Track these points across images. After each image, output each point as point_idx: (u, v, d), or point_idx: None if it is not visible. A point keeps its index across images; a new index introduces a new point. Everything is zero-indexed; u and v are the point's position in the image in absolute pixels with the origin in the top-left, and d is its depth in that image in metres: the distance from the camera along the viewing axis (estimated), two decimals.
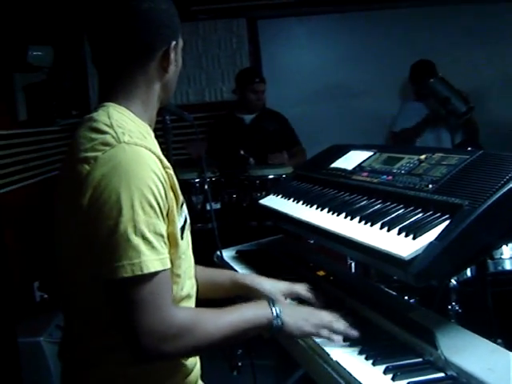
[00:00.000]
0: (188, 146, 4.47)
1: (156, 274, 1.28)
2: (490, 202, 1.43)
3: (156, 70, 1.49)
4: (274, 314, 1.49)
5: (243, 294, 1.81)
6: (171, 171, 1.42)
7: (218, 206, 3.95)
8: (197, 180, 3.85)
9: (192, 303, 1.57)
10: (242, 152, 4.23)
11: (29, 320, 3.53)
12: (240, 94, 4.62)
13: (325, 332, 1.53)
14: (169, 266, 1.33)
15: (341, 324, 1.56)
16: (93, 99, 5.28)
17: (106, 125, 1.37)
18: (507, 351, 1.37)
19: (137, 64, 1.47)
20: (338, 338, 1.52)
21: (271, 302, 1.52)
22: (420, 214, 1.61)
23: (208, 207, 3.73)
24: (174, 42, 1.50)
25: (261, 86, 4.56)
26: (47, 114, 4.58)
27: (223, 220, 3.78)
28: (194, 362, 1.56)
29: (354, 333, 1.55)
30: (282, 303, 1.66)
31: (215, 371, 1.68)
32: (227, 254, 2.44)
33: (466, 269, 2.01)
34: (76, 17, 4.91)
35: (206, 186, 3.72)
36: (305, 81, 5.37)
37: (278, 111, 4.76)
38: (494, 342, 1.52)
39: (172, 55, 1.50)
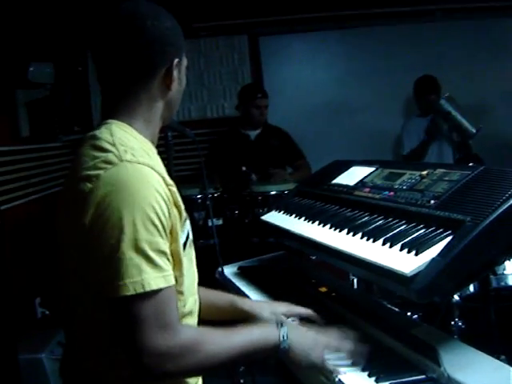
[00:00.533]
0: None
1: (159, 291, 1.27)
2: (492, 217, 1.43)
3: (159, 88, 1.49)
4: (281, 337, 1.47)
5: (242, 319, 1.77)
6: (174, 188, 1.41)
7: (220, 221, 3.95)
8: (199, 196, 3.85)
9: (194, 320, 1.56)
10: (243, 168, 4.23)
11: (30, 336, 3.51)
12: (243, 110, 4.63)
13: (330, 366, 1.50)
14: (173, 282, 1.32)
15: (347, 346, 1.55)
16: (95, 115, 5.29)
17: (109, 143, 1.37)
18: (510, 368, 1.37)
19: (139, 81, 1.47)
20: (343, 371, 1.49)
21: (279, 324, 1.50)
22: (422, 230, 1.61)
23: (210, 223, 3.73)
24: (176, 60, 1.49)
25: (263, 102, 4.57)
26: (49, 130, 4.59)
27: (225, 236, 3.77)
28: (196, 380, 1.54)
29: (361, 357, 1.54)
30: (291, 326, 1.63)
31: None
32: (229, 270, 2.43)
33: (468, 285, 2.00)
34: (78, 34, 4.94)
35: (208, 202, 3.71)
36: (306, 97, 5.38)
37: (279, 127, 4.77)
38: (497, 358, 1.51)
39: (175, 73, 1.49)
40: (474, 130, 3.98)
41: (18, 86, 4.17)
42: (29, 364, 3.24)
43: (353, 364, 1.51)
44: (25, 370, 3.15)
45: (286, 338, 1.47)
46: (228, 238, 3.79)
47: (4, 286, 3.01)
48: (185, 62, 1.56)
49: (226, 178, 4.31)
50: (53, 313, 4.22)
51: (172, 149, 2.55)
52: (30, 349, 3.33)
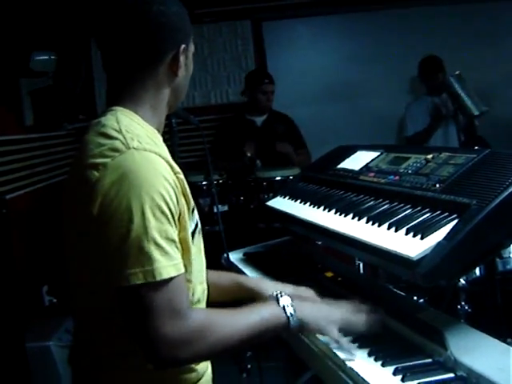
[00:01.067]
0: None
1: (170, 280, 1.27)
2: (497, 200, 1.42)
3: (165, 74, 1.47)
4: (288, 312, 1.47)
5: (248, 298, 1.77)
6: (182, 176, 1.41)
7: (226, 208, 3.96)
8: (204, 183, 3.86)
9: (202, 307, 1.56)
10: (248, 154, 4.23)
11: (38, 324, 3.54)
12: (249, 96, 4.63)
13: (344, 343, 1.50)
14: (183, 270, 1.32)
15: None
16: (99, 103, 5.29)
17: (115, 130, 1.36)
18: None
19: (145, 67, 1.46)
20: (349, 346, 1.50)
21: (280, 294, 1.50)
22: (427, 214, 1.60)
23: (215, 209, 3.73)
24: (183, 46, 1.47)
25: (270, 87, 4.57)
26: (54, 118, 4.60)
27: (231, 222, 3.78)
28: (206, 366, 1.54)
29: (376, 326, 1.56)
30: (299, 301, 1.63)
31: (224, 374, 1.67)
32: (235, 256, 2.43)
33: (474, 268, 1.99)
34: (81, 22, 4.93)
35: (213, 189, 3.72)
36: (310, 82, 5.37)
37: (285, 113, 4.77)
38: (504, 341, 1.51)
39: (182, 59, 1.48)
40: (477, 112, 3.96)
41: (21, 75, 4.16)
42: (37, 352, 3.27)
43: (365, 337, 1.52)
44: (33, 358, 3.18)
45: (293, 314, 1.46)
46: (233, 224, 3.79)
47: (11, 275, 3.03)
48: (192, 48, 1.55)
49: (231, 163, 4.31)
50: (60, 301, 4.24)
51: (176, 136, 2.54)
52: (37, 337, 3.36)
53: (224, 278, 1.87)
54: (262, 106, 4.61)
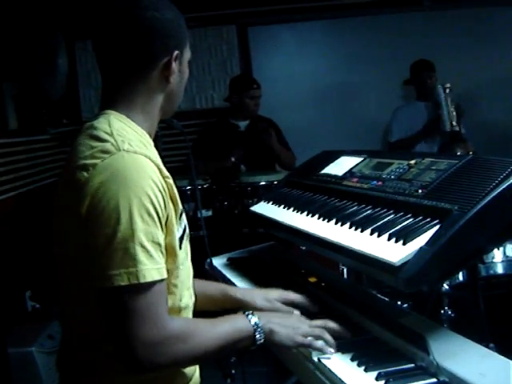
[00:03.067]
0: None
1: (153, 283, 1.27)
2: (479, 206, 1.43)
3: (158, 80, 1.47)
4: (254, 326, 1.47)
5: (235, 308, 1.78)
6: (171, 180, 1.41)
7: (210, 213, 3.95)
8: (188, 187, 3.85)
9: (189, 314, 1.56)
10: (233, 159, 4.23)
11: (20, 330, 3.51)
12: (236, 100, 4.62)
13: (318, 343, 1.51)
14: (165, 276, 1.32)
15: (333, 326, 1.56)
16: (84, 108, 5.27)
17: (107, 133, 1.37)
18: (499, 356, 1.38)
19: (138, 72, 1.46)
20: (331, 350, 1.50)
21: (248, 313, 1.51)
22: (410, 220, 1.61)
23: (199, 214, 3.73)
24: (176, 52, 1.47)
25: (258, 92, 4.58)
26: (38, 122, 4.57)
27: (215, 227, 3.77)
28: (193, 370, 1.55)
29: (347, 334, 1.56)
30: (266, 313, 1.64)
31: (209, 379, 1.67)
32: (218, 262, 2.43)
33: (456, 274, 2.01)
34: (68, 25, 4.92)
35: (197, 193, 3.71)
36: (295, 87, 5.39)
37: (269, 117, 4.77)
38: (486, 346, 1.52)
39: (174, 65, 1.47)
40: (447, 129, 4.02)
41: (4, 79, 4.14)
42: (19, 357, 3.25)
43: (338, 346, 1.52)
44: (15, 364, 3.16)
45: (259, 326, 1.47)
46: (218, 229, 3.79)
47: None
48: (187, 54, 1.54)
49: (213, 164, 4.32)
50: (43, 306, 4.21)
51: (160, 140, 2.54)
52: (20, 342, 3.34)
53: (212, 287, 1.87)
54: (249, 110, 4.61)
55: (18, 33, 4.15)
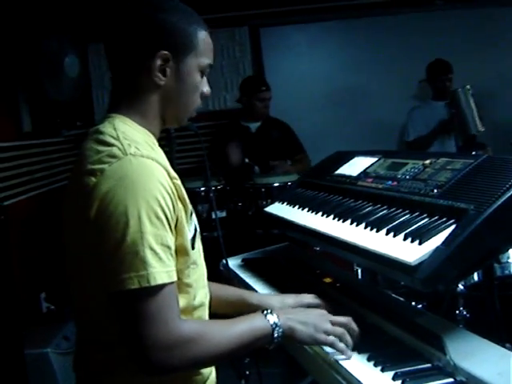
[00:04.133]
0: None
1: (163, 286, 1.28)
2: (495, 205, 1.43)
3: (149, 81, 1.46)
4: (272, 323, 1.47)
5: (250, 313, 1.78)
6: (178, 181, 1.41)
7: (224, 214, 3.96)
8: (202, 189, 3.86)
9: (205, 312, 1.56)
10: (246, 160, 4.24)
11: (36, 331, 3.54)
12: (246, 103, 4.62)
13: (341, 345, 1.50)
14: (175, 278, 1.33)
15: (354, 327, 1.56)
16: (97, 110, 5.30)
17: (113, 137, 1.37)
18: None
19: (134, 73, 1.46)
20: (350, 354, 1.49)
21: (267, 312, 1.50)
22: (426, 219, 1.61)
23: (213, 216, 3.74)
24: (163, 52, 1.44)
25: (267, 94, 4.58)
26: (52, 125, 4.60)
27: (229, 228, 3.78)
28: (210, 370, 1.55)
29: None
30: (287, 310, 1.64)
31: (223, 380, 1.67)
32: (233, 263, 2.44)
33: (472, 273, 2.00)
34: (80, 28, 4.94)
35: (211, 195, 3.72)
36: (307, 88, 5.38)
37: (282, 119, 4.77)
38: (503, 346, 1.51)
39: (159, 66, 1.44)
40: (474, 132, 4.00)
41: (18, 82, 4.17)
42: (35, 358, 3.27)
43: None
44: (31, 365, 3.17)
45: (278, 325, 1.46)
46: (232, 230, 3.79)
47: (9, 282, 3.02)
48: (193, 61, 1.50)
49: (229, 170, 4.32)
50: (58, 307, 4.24)
51: (174, 142, 2.55)
52: (36, 344, 3.36)
53: (229, 291, 1.87)
54: (259, 112, 4.62)
55: (25, 36, 4.17)
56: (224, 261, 2.32)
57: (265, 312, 1.50)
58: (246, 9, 5.28)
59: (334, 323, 1.54)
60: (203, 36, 1.52)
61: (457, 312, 2.21)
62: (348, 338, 1.52)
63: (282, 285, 2.06)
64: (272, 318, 1.47)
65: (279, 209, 2.36)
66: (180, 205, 1.40)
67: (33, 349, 3.29)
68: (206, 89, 1.59)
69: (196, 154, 4.92)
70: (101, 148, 1.36)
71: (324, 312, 1.62)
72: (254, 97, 4.57)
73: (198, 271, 1.50)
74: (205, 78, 1.59)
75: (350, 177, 2.17)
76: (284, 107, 5.03)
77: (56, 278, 4.32)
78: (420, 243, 1.47)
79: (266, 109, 4.62)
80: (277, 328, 1.46)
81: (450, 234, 1.44)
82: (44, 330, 3.65)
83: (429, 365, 1.41)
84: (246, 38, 5.38)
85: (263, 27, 5.47)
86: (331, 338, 1.51)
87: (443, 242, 1.43)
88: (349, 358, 1.48)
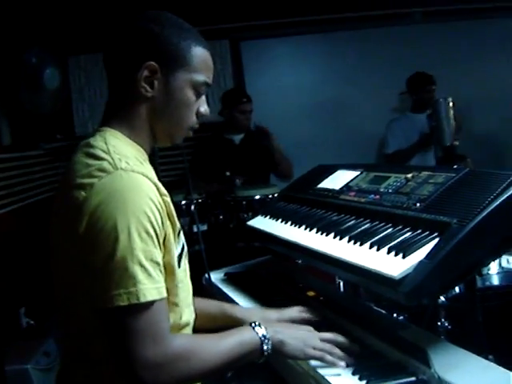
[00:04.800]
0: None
1: (153, 303, 1.27)
2: (478, 219, 1.44)
3: (138, 93, 1.46)
4: (261, 335, 1.47)
5: (233, 326, 1.78)
6: (168, 198, 1.41)
7: (205, 227, 3.94)
8: (183, 202, 3.85)
9: (190, 331, 1.56)
10: (227, 173, 4.23)
11: (16, 347, 3.49)
12: (227, 115, 4.63)
13: (329, 357, 1.51)
14: (165, 295, 1.32)
15: (342, 340, 1.57)
16: (77, 123, 5.27)
17: (103, 151, 1.37)
18: (499, 367, 1.38)
19: (123, 85, 1.47)
20: (343, 364, 1.50)
21: (255, 324, 1.50)
22: (409, 233, 1.61)
23: (195, 229, 3.72)
24: (150, 63, 1.43)
25: (248, 106, 4.59)
26: (31, 138, 4.57)
27: (210, 241, 3.76)
28: None
29: (355, 348, 1.56)
30: (276, 325, 1.64)
31: None
32: (215, 277, 2.43)
33: (456, 286, 2.01)
34: (60, 41, 4.93)
35: (193, 207, 3.71)
36: (288, 100, 5.41)
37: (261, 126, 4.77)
38: (486, 358, 1.52)
39: (155, 81, 1.45)
40: (447, 143, 4.04)
41: None
42: (15, 375, 3.22)
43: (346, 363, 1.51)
44: (11, 381, 3.13)
45: (266, 337, 1.47)
46: (213, 243, 3.78)
47: None
48: (184, 76, 1.48)
49: (210, 183, 4.31)
50: (38, 322, 4.19)
51: (157, 155, 2.54)
52: (16, 360, 3.31)
53: (211, 305, 1.87)
54: (240, 125, 4.62)
55: (5, 48, 4.15)
56: (206, 275, 2.32)
57: (252, 325, 1.50)
58: (227, 22, 5.30)
59: (322, 339, 1.55)
60: (199, 53, 1.51)
61: (438, 323, 2.22)
62: (337, 351, 1.53)
63: (265, 299, 2.06)
64: (260, 331, 1.48)
65: (262, 222, 2.36)
66: (168, 222, 1.39)
67: (13, 365, 3.25)
68: (203, 108, 1.57)
69: (177, 166, 4.91)
70: (91, 162, 1.35)
71: (311, 328, 1.63)
72: (235, 109, 4.58)
73: (184, 290, 1.50)
74: (203, 98, 1.56)
75: (332, 190, 2.17)
76: (265, 119, 5.01)
77: (36, 293, 4.28)
78: (404, 257, 1.48)
79: (247, 121, 4.63)
80: (266, 341, 1.47)
81: (434, 248, 1.45)
82: (24, 345, 3.60)
83: (413, 378, 1.41)
84: (227, 51, 5.40)
85: (244, 40, 5.49)
86: (320, 352, 1.52)
87: (427, 256, 1.43)
88: (342, 368, 1.49)
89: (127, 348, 1.25)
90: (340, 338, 1.58)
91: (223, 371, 1.45)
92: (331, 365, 1.50)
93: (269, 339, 1.47)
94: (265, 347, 1.47)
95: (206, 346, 1.40)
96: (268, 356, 1.48)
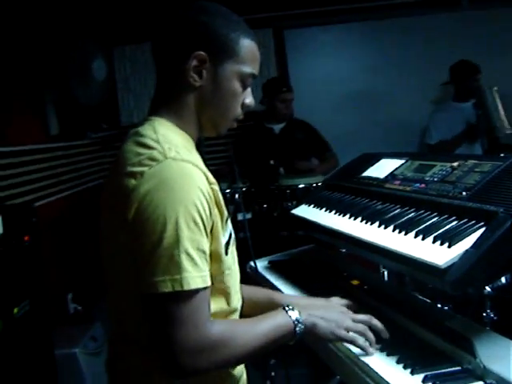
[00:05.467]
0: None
1: (196, 291, 1.29)
2: None
3: (186, 83, 1.47)
4: (294, 319, 1.49)
5: None
6: (216, 187, 1.42)
7: (249, 216, 3.97)
8: (227, 191, 3.87)
9: (237, 317, 1.58)
10: (271, 162, 4.24)
11: (64, 332, 3.58)
12: (268, 104, 4.64)
13: (361, 341, 1.53)
14: (209, 283, 1.33)
15: (376, 323, 1.58)
16: (123, 113, 5.34)
17: (153, 139, 1.38)
18: None
19: (172, 75, 1.48)
20: (372, 350, 1.52)
21: (288, 308, 1.52)
22: (454, 222, 1.60)
23: (239, 217, 3.75)
24: (199, 53, 1.44)
25: (289, 95, 4.58)
26: (78, 128, 4.65)
27: (254, 230, 3.77)
28: (241, 371, 1.57)
29: (386, 333, 1.57)
30: (310, 306, 1.66)
31: (248, 381, 1.68)
32: (260, 265, 2.43)
33: (502, 276, 1.99)
34: (105, 32, 4.99)
35: (237, 196, 3.73)
36: (332, 89, 5.39)
37: (306, 120, 4.77)
38: None
39: (196, 67, 1.45)
40: (501, 134, 3.96)
41: (45, 86, 4.23)
42: (64, 359, 3.31)
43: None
44: (60, 365, 3.21)
45: (300, 321, 1.49)
46: (257, 231, 3.80)
47: (40, 282, 3.06)
48: (233, 67, 1.49)
49: (254, 171, 4.33)
50: (85, 308, 4.28)
51: (203, 144, 2.56)
52: (64, 344, 3.40)
53: (259, 293, 1.87)
54: (281, 114, 4.63)
55: (55, 39, 4.23)
56: (252, 263, 2.34)
57: (286, 308, 1.52)
58: (270, 11, 5.30)
59: (355, 320, 1.57)
60: (247, 44, 1.51)
61: (484, 314, 2.20)
62: (370, 334, 1.54)
63: (309, 287, 2.07)
64: (294, 314, 1.50)
65: (306, 211, 2.37)
66: (216, 210, 1.41)
67: (62, 349, 3.33)
68: (248, 100, 1.58)
69: (219, 156, 4.94)
70: (141, 150, 1.37)
71: (345, 309, 1.66)
72: (275, 98, 4.58)
73: (232, 277, 1.51)
74: (249, 89, 1.58)
75: (377, 179, 2.17)
76: (308, 108, 5.04)
77: (83, 279, 4.38)
78: (449, 246, 1.47)
79: (287, 110, 4.63)
80: (299, 324, 1.49)
81: (480, 237, 1.44)
82: (71, 330, 3.69)
83: (458, 368, 1.41)
84: (270, 39, 5.40)
85: (287, 29, 5.48)
86: (352, 334, 1.54)
87: (473, 245, 1.42)
88: (371, 354, 1.51)
89: (168, 334, 1.27)
90: (374, 321, 1.59)
91: (260, 353, 1.46)
92: (361, 349, 1.52)
93: (301, 322, 1.49)
94: (297, 330, 1.49)
95: (243, 332, 1.41)
96: (300, 339, 1.50)
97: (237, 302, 1.55)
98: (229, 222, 1.52)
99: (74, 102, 4.38)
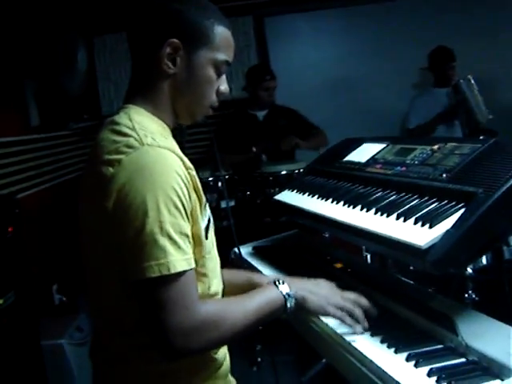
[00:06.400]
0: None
1: (183, 273, 1.30)
2: (503, 188, 1.44)
3: (160, 70, 1.47)
4: (285, 293, 1.52)
5: None
6: (193, 172, 1.43)
7: (233, 203, 3.98)
8: (210, 178, 3.88)
9: None
10: (254, 149, 4.25)
11: (49, 323, 3.57)
12: (251, 92, 4.64)
13: (349, 319, 1.55)
14: (194, 265, 1.35)
15: (364, 302, 1.61)
16: (103, 103, 5.32)
17: (129, 127, 1.39)
18: None
19: (146, 63, 1.49)
20: (360, 330, 1.54)
21: (279, 282, 1.55)
22: (435, 204, 1.63)
23: (223, 205, 3.76)
24: (171, 40, 1.44)
25: (272, 83, 4.59)
26: (59, 118, 4.63)
27: (237, 217, 3.80)
28: (224, 354, 1.59)
29: (374, 312, 1.60)
30: (299, 281, 1.66)
31: (234, 367, 1.70)
32: (244, 251, 2.45)
33: (482, 256, 2.01)
34: (85, 22, 4.96)
35: (220, 184, 3.74)
36: (312, 76, 5.41)
37: (287, 106, 4.78)
38: None
39: (168, 52, 1.45)
40: (483, 120, 4.00)
41: (25, 76, 4.20)
42: (50, 350, 3.31)
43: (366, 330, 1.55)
44: (47, 356, 3.21)
45: (290, 295, 1.52)
46: (240, 218, 3.82)
47: (25, 274, 3.06)
48: (207, 54, 1.49)
49: (236, 157, 4.34)
50: (70, 299, 4.28)
51: (185, 132, 2.56)
52: (50, 335, 3.40)
53: (238, 275, 1.89)
54: (263, 101, 4.63)
55: (36, 30, 4.20)
56: (236, 249, 2.35)
57: (276, 283, 1.55)
58: None
59: (343, 298, 1.59)
60: (221, 31, 1.51)
61: (466, 295, 2.23)
62: (358, 312, 1.57)
63: (293, 271, 2.08)
64: (284, 289, 1.53)
65: (289, 196, 2.38)
66: (195, 195, 1.42)
67: (48, 340, 3.33)
68: (223, 87, 1.59)
69: (202, 144, 4.93)
70: (117, 138, 1.38)
71: (333, 285, 1.67)
72: (258, 86, 4.59)
73: (212, 261, 1.53)
74: (223, 77, 1.59)
75: (359, 163, 2.19)
76: (289, 95, 5.03)
77: (67, 270, 4.37)
78: (430, 227, 1.49)
79: (270, 97, 4.64)
80: (289, 298, 1.52)
81: (460, 218, 1.46)
82: (57, 321, 3.69)
83: (441, 346, 1.44)
84: (251, 27, 5.40)
85: (267, 16, 5.48)
86: (340, 312, 1.56)
87: (453, 226, 1.45)
88: (359, 332, 1.53)
89: (159, 317, 1.29)
90: (362, 299, 1.61)
91: (251, 330, 1.48)
92: (349, 327, 1.55)
93: (292, 296, 1.52)
94: (288, 305, 1.52)
95: (234, 309, 1.44)
96: (291, 313, 1.53)
97: (217, 286, 1.57)
98: (207, 207, 1.53)
99: (56, 93, 4.36)
